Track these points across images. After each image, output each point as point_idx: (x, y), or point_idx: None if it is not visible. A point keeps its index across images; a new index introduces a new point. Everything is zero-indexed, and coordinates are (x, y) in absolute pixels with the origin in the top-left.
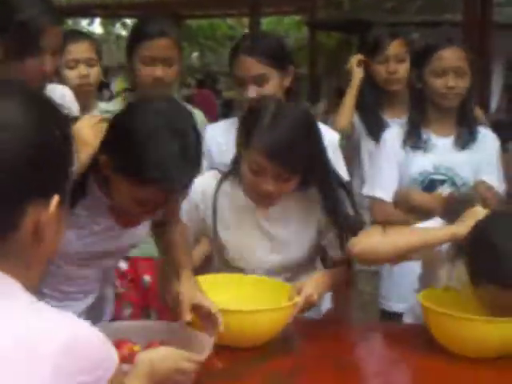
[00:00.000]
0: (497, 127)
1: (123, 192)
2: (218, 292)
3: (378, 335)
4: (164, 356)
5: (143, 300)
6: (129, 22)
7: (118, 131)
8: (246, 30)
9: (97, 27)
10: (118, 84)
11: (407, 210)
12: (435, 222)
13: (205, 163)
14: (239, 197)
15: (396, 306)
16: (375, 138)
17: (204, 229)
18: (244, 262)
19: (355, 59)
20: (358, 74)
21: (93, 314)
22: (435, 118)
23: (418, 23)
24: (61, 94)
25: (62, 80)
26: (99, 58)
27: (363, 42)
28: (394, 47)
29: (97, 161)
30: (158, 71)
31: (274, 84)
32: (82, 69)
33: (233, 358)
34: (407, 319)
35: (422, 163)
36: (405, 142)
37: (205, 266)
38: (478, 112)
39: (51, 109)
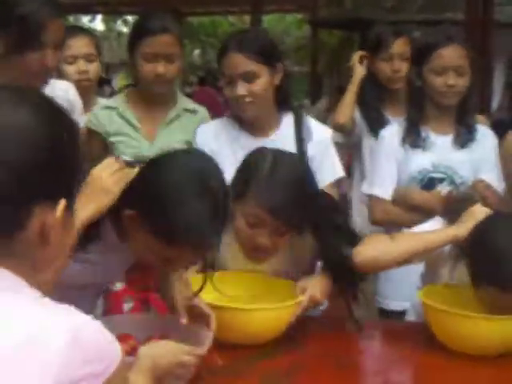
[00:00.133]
0: (498, 126)
1: (147, 247)
2: (226, 288)
3: (378, 333)
4: (165, 350)
5: (143, 294)
6: (130, 18)
7: (146, 188)
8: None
9: (98, 24)
10: (119, 81)
11: (406, 208)
12: (436, 223)
13: None
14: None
15: (394, 304)
16: (377, 135)
17: None
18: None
19: (357, 56)
20: (359, 70)
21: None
22: (434, 115)
23: (418, 22)
24: (64, 89)
25: (61, 75)
26: (99, 54)
27: (365, 40)
28: (399, 45)
29: (116, 208)
30: (160, 68)
31: (263, 81)
32: (81, 64)
33: (233, 355)
34: (410, 317)
35: (421, 161)
36: (404, 140)
37: None
38: (481, 119)
39: (61, 115)
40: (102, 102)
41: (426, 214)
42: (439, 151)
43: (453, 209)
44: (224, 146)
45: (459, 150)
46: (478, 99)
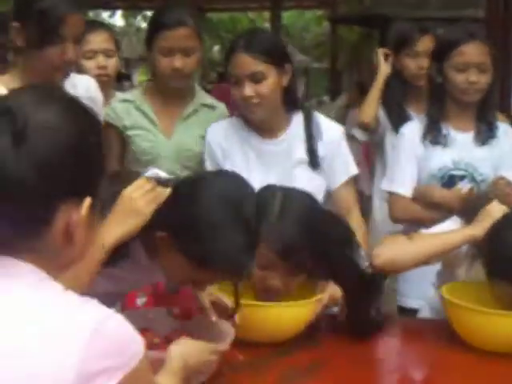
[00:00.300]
0: None
1: (178, 267)
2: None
3: (396, 330)
4: (194, 349)
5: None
6: (150, 14)
7: (180, 212)
8: (267, 24)
9: (118, 19)
10: (138, 76)
11: (426, 206)
12: (453, 223)
13: (208, 165)
14: None
15: (413, 303)
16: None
17: None
18: None
19: (381, 53)
20: (384, 68)
21: None
22: (455, 112)
23: (439, 19)
24: (86, 84)
25: (80, 70)
26: (117, 49)
27: (386, 36)
28: (424, 43)
29: (147, 228)
30: (177, 62)
31: (271, 82)
32: (100, 59)
33: (253, 352)
34: (423, 314)
35: (441, 158)
36: (424, 137)
37: None
38: (501, 118)
39: (87, 114)
40: (119, 95)
41: (445, 212)
42: (460, 148)
43: (472, 209)
44: (235, 146)
45: (480, 147)
46: (497, 96)
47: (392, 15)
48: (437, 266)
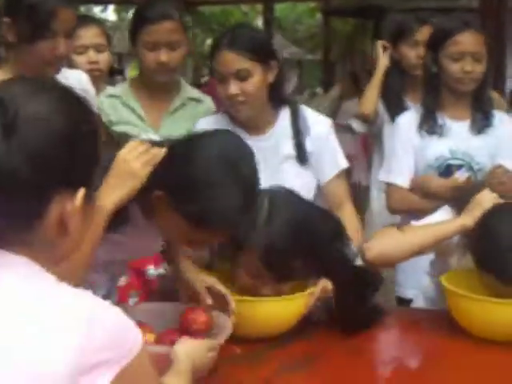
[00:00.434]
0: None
1: (174, 227)
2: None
3: (393, 320)
4: (199, 349)
5: (149, 288)
6: None
7: (177, 170)
8: (260, 17)
9: (110, 14)
10: (130, 70)
11: (424, 196)
12: (444, 212)
13: None
14: None
15: (409, 293)
16: None
17: None
18: None
19: (380, 46)
20: (383, 61)
21: None
22: (450, 102)
23: (433, 9)
24: (77, 77)
25: (71, 66)
26: (109, 44)
27: (382, 27)
28: (423, 33)
29: (144, 188)
30: (162, 56)
31: (256, 80)
32: (92, 54)
33: (250, 345)
34: (417, 303)
35: (438, 148)
36: (420, 127)
37: None
38: (495, 95)
39: (80, 104)
40: (107, 90)
41: (443, 201)
42: (456, 137)
43: (464, 196)
44: None
45: (476, 136)
46: (491, 86)
47: (387, 6)
48: (431, 256)
